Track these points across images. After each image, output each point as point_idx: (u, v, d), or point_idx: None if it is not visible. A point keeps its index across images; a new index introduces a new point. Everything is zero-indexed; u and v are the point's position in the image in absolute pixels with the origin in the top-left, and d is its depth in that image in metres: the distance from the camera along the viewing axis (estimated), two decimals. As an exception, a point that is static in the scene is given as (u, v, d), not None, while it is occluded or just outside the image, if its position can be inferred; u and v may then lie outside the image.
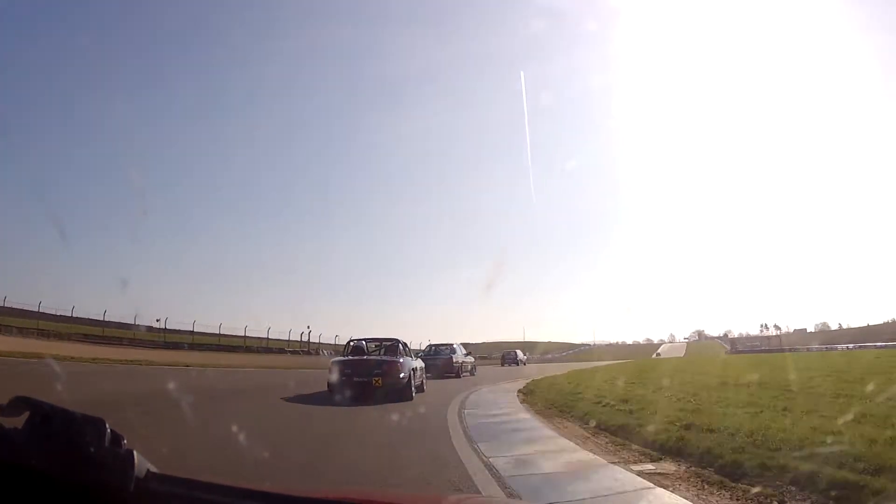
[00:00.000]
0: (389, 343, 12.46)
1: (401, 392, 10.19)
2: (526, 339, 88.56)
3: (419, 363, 12.56)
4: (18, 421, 0.91)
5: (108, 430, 0.94)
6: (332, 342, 54.23)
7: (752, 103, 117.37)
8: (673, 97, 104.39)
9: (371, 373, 10.28)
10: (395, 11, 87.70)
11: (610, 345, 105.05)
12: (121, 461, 0.93)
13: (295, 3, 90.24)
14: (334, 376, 10.31)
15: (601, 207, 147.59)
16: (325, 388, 10.48)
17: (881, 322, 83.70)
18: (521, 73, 58.16)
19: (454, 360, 20.79)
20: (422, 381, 12.39)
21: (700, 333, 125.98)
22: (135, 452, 0.96)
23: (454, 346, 22.38)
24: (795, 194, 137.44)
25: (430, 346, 22.67)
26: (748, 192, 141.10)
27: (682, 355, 61.03)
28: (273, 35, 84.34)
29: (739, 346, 77.67)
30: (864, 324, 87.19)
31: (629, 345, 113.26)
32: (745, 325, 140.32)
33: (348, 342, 12.79)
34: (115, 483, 0.92)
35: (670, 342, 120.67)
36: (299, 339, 49.44)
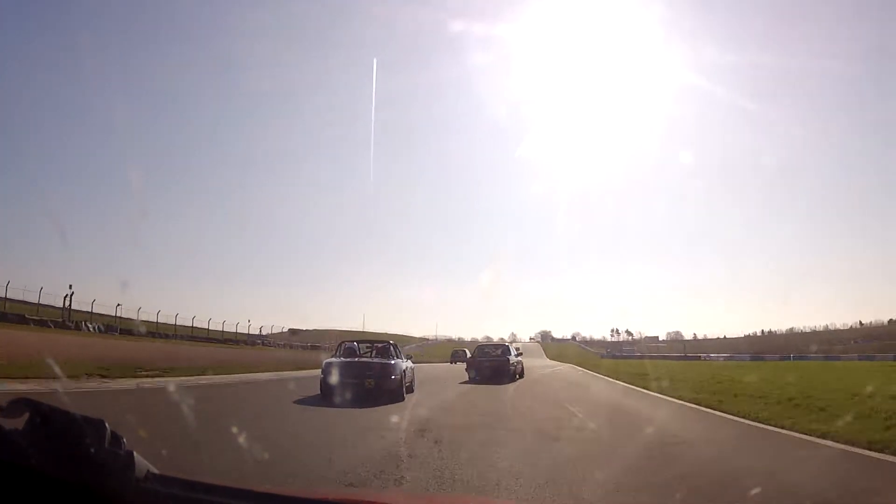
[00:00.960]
0: (381, 345, 12.71)
1: (392, 393, 10.21)
2: (366, 329, 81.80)
3: (409, 364, 12.43)
4: (19, 422, 0.88)
5: (109, 431, 0.95)
6: (113, 313, 44.79)
7: (605, 104, 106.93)
8: (518, 96, 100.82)
9: (364, 374, 10.29)
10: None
11: (451, 340, 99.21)
12: (121, 462, 0.95)
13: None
14: (327, 378, 10.25)
15: (447, 203, 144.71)
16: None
17: (741, 335, 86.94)
18: (374, 60, 57.38)
19: (510, 361, 18.62)
20: (411, 382, 12.21)
21: (545, 334, 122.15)
22: (135, 453, 0.97)
23: (507, 345, 21.09)
24: (654, 205, 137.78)
25: (479, 346, 21.55)
26: (604, 203, 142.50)
27: (544, 359, 58.67)
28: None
29: (617, 351, 74.08)
30: (720, 335, 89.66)
31: (469, 341, 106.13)
32: (590, 329, 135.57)
33: (340, 343, 12.99)
34: (115, 484, 0.93)
35: (511, 341, 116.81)
36: (62, 306, 39.71)
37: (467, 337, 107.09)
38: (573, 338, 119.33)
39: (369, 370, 10.43)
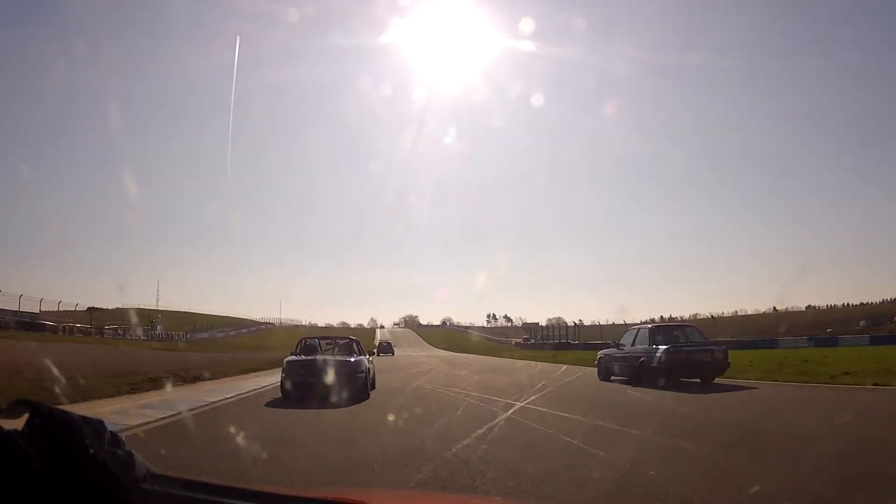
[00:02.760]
0: (344, 341, 12.56)
1: (358, 392, 9.97)
2: (179, 309, 73.39)
3: (370, 360, 11.91)
4: (19, 423, 0.88)
5: (108, 432, 0.94)
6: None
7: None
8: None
9: (330, 373, 9.94)
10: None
11: (299, 326, 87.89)
12: (120, 462, 0.94)
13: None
14: (289, 377, 9.97)
15: (293, 186, 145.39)
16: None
17: (608, 323, 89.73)
18: (237, 37, 56.10)
19: (715, 352, 12.40)
20: (373, 377, 11.73)
21: (411, 320, 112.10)
22: (134, 453, 0.97)
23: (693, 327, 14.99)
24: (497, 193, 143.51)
25: (658, 327, 14.70)
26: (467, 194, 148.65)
27: (437, 352, 49.49)
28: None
29: (537, 339, 62.65)
30: (609, 321, 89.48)
31: (322, 327, 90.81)
32: (458, 314, 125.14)
33: (301, 340, 12.41)
34: (114, 484, 0.93)
35: (373, 327, 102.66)
36: None
37: (320, 322, 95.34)
38: (444, 324, 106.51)
39: (336, 369, 10.15)
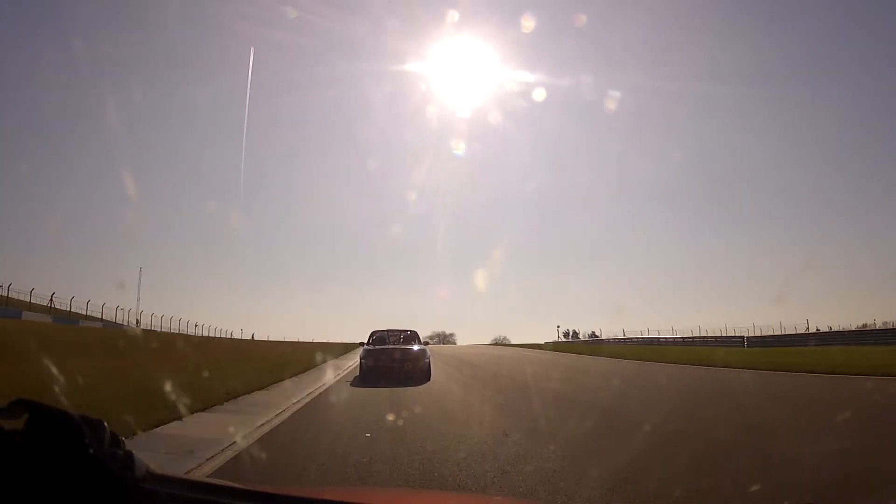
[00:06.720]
0: (408, 333, 14.59)
1: (424, 375, 11.81)
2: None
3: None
4: (19, 423, 0.88)
5: (108, 432, 0.95)
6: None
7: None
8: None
9: (403, 359, 12.10)
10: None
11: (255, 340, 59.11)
12: (120, 462, 0.95)
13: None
14: (369, 362, 12.06)
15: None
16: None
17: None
18: (252, 49, 54.52)
19: None
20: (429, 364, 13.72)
21: (442, 336, 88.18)
22: (134, 453, 0.97)
23: None
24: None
25: None
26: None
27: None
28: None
29: None
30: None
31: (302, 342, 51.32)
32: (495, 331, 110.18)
33: (372, 332, 14.46)
34: (114, 484, 0.93)
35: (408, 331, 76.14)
36: None
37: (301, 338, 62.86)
38: (496, 343, 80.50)
39: (407, 355, 12.23)
